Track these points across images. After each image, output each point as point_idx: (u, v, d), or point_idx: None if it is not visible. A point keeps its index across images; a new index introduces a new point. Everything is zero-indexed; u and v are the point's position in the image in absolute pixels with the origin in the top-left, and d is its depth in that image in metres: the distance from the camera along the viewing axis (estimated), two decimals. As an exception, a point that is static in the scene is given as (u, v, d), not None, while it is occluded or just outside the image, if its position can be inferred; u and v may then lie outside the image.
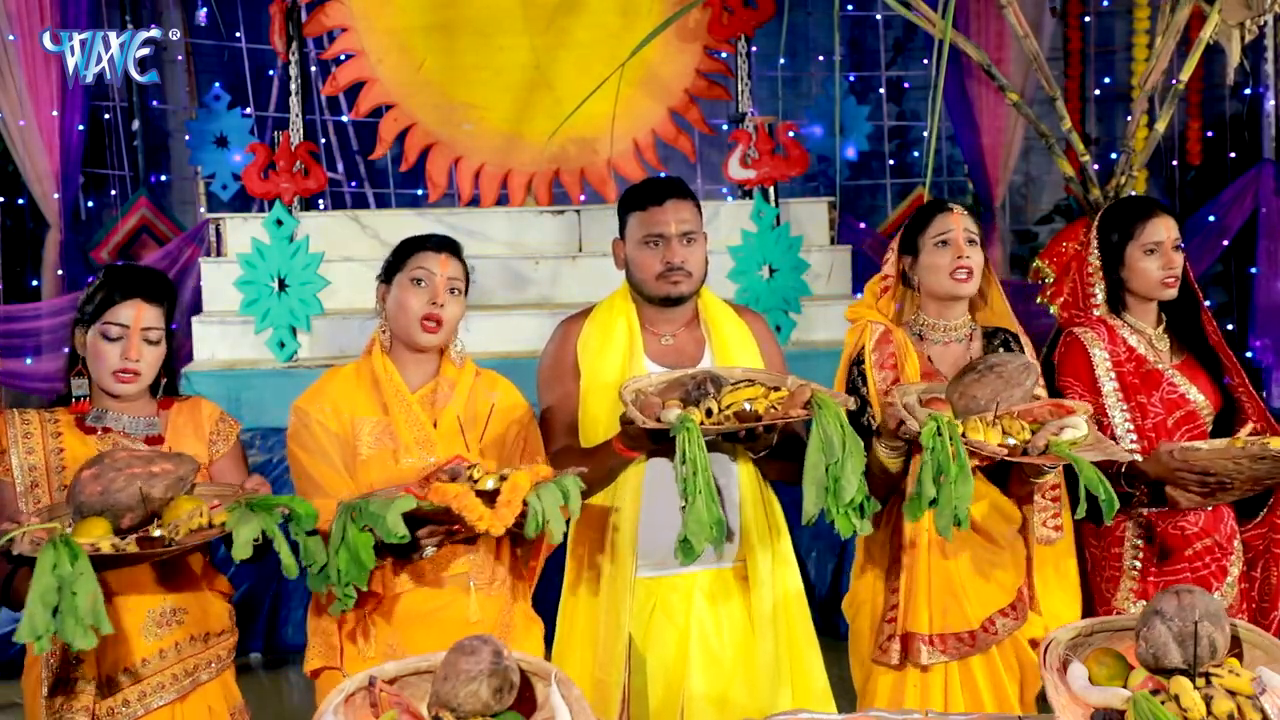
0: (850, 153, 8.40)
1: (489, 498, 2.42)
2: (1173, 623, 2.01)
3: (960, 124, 7.88)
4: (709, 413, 2.58)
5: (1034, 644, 2.87)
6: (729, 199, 7.21)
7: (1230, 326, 7.62)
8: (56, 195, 7.00)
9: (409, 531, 2.35)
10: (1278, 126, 7.54)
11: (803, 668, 2.91)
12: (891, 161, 8.87)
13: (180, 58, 8.33)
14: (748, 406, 2.57)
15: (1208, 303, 3.59)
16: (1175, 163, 8.12)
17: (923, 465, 2.52)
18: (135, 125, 7.94)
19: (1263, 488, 2.90)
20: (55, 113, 6.89)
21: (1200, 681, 1.97)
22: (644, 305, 2.96)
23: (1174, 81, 5.56)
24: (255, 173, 5.91)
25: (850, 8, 8.65)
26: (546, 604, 2.91)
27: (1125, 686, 2.02)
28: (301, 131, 6.13)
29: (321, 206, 7.47)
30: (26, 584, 2.17)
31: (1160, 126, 5.55)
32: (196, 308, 6.22)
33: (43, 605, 2.13)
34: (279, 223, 5.83)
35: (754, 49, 6.48)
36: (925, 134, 8.84)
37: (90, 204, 7.81)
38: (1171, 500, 2.91)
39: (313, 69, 7.80)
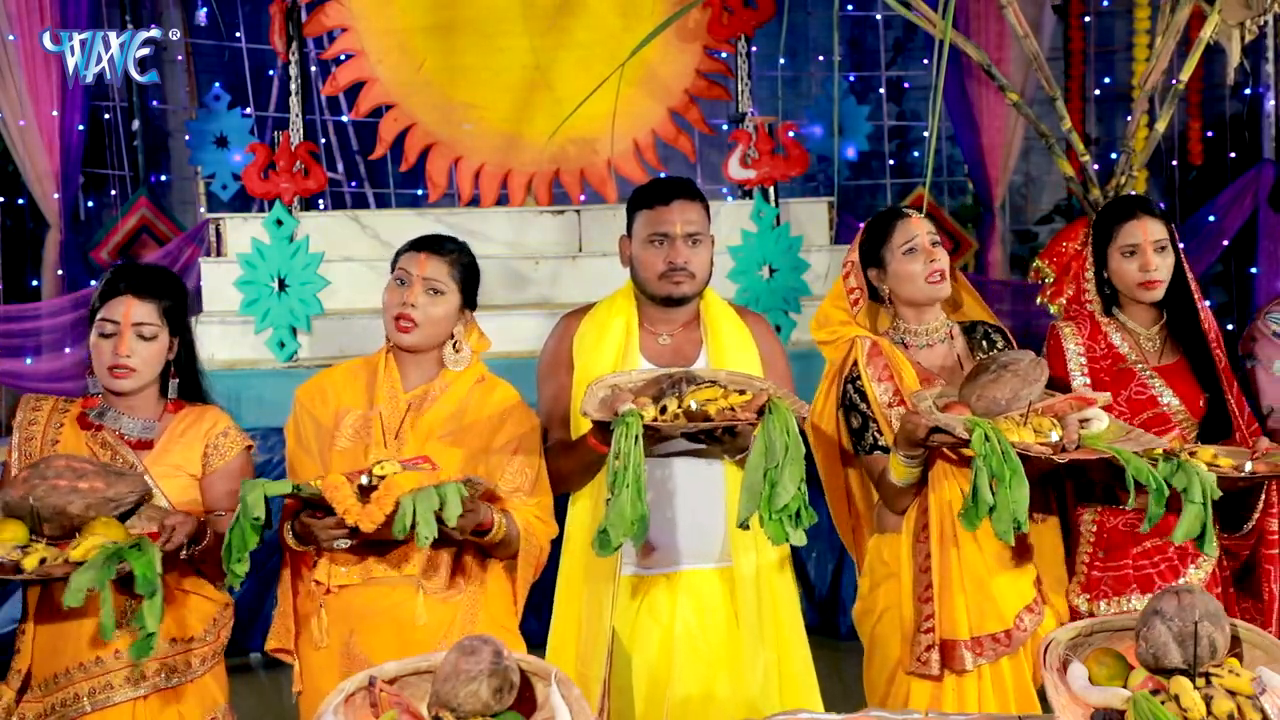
0: (850, 153, 8.40)
1: (368, 493, 2.43)
2: (1173, 623, 2.01)
3: (960, 124, 7.88)
4: (664, 410, 2.57)
5: None
6: (729, 199, 7.20)
7: (1230, 326, 7.60)
8: (56, 195, 7.00)
9: (295, 518, 2.51)
10: (1278, 126, 7.54)
11: (792, 669, 2.89)
12: (891, 161, 8.86)
13: (180, 58, 8.33)
14: (695, 406, 2.55)
15: (1208, 302, 3.57)
16: (1175, 163, 8.11)
17: (976, 472, 2.47)
18: (135, 125, 7.93)
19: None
20: (55, 113, 6.89)
21: (1200, 681, 1.96)
22: (645, 304, 2.96)
23: (1174, 81, 5.55)
24: (255, 173, 5.91)
25: (850, 8, 8.65)
26: (546, 605, 2.91)
27: (1125, 686, 2.02)
28: (301, 131, 6.12)
29: (321, 206, 7.47)
30: None
31: (1160, 126, 5.53)
32: (196, 308, 6.21)
33: None
34: (279, 223, 5.83)
35: (754, 49, 6.48)
36: (925, 134, 8.84)
37: (90, 204, 7.81)
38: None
39: (313, 69, 7.79)
